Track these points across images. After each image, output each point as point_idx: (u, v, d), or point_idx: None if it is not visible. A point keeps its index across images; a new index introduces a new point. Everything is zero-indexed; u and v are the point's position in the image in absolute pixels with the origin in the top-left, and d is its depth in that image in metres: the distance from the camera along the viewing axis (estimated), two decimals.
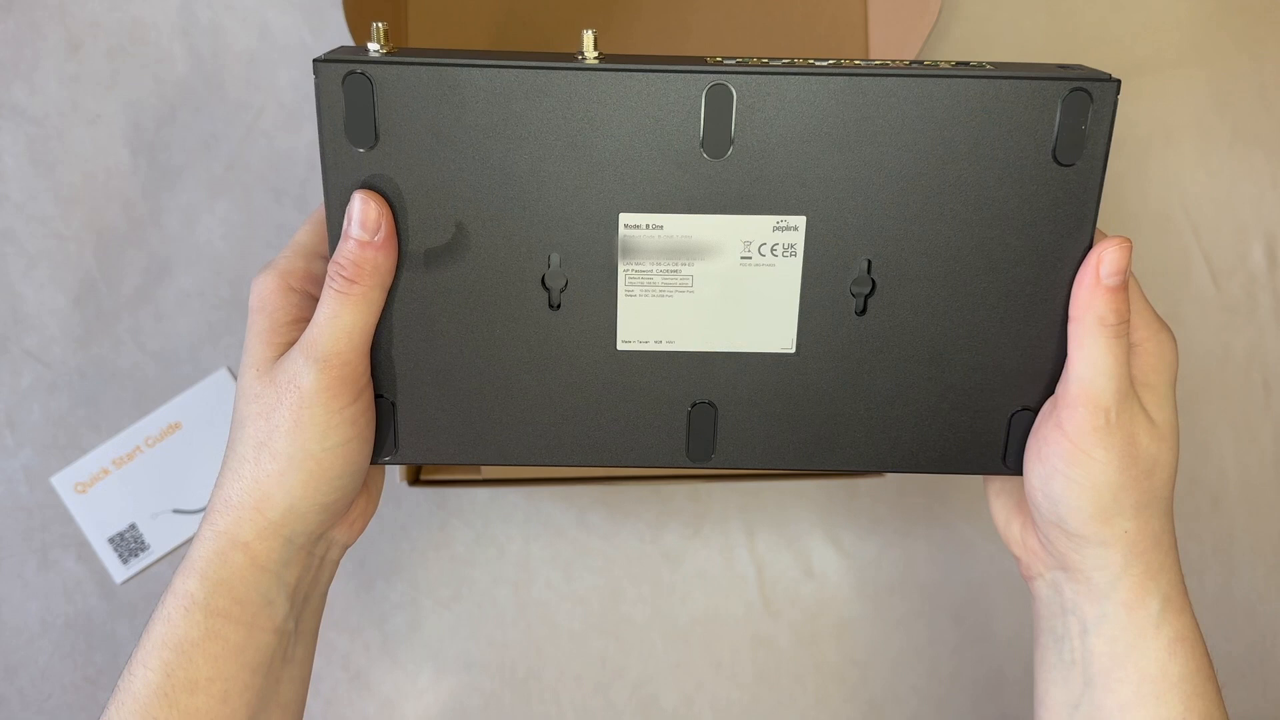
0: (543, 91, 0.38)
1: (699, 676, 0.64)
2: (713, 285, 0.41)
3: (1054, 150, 0.39)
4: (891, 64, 0.39)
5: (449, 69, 0.38)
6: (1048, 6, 0.64)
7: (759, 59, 0.39)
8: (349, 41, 0.52)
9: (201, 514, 0.62)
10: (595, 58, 0.38)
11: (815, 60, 0.39)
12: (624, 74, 0.38)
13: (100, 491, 0.61)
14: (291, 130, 0.62)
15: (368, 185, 0.39)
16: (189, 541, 0.61)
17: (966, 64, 0.39)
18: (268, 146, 0.61)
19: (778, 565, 0.64)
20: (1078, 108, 0.38)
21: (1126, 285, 0.39)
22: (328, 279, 0.40)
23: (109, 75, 0.61)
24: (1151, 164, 0.64)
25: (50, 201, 0.61)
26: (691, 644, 0.64)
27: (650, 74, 0.38)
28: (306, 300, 0.42)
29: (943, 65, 0.39)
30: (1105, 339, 0.39)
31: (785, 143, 0.39)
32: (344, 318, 0.39)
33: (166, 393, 0.61)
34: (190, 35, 0.61)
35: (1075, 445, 0.40)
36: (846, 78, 0.38)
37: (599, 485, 0.62)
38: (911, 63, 0.39)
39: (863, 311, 0.41)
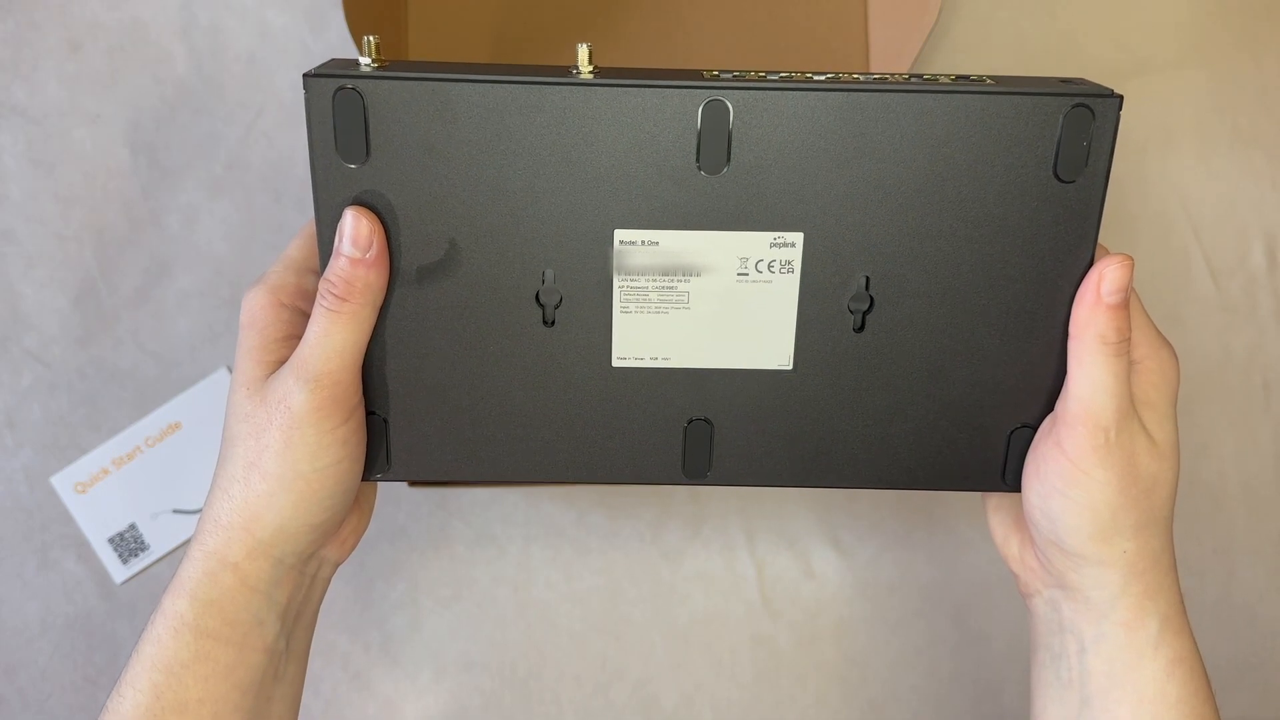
0: (537, 107, 0.38)
1: (699, 676, 0.64)
2: (709, 301, 0.40)
3: (1055, 166, 0.38)
4: (890, 78, 0.39)
5: (441, 84, 0.37)
6: (1048, 6, 0.64)
7: (757, 72, 0.39)
8: (349, 41, 0.52)
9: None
10: (590, 72, 0.38)
11: (813, 74, 0.39)
12: (619, 89, 0.37)
13: (100, 491, 0.61)
14: (291, 130, 0.62)
15: (359, 201, 0.39)
16: (189, 542, 0.61)
17: (967, 78, 0.39)
18: (268, 146, 0.61)
19: (777, 565, 0.64)
20: (1079, 124, 0.38)
21: (1128, 303, 0.39)
22: (318, 297, 0.39)
23: (109, 75, 0.61)
24: (1151, 165, 0.64)
25: (50, 201, 0.61)
26: (691, 644, 0.64)
27: (645, 89, 0.37)
28: (297, 316, 0.41)
29: (943, 80, 0.39)
30: (1106, 357, 0.39)
31: (782, 158, 0.38)
32: (335, 337, 0.39)
33: (166, 393, 0.61)
34: (190, 35, 0.61)
35: (1074, 464, 0.39)
36: (845, 93, 0.38)
37: (599, 486, 0.62)
38: (911, 76, 0.39)
39: (861, 328, 0.41)
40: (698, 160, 0.38)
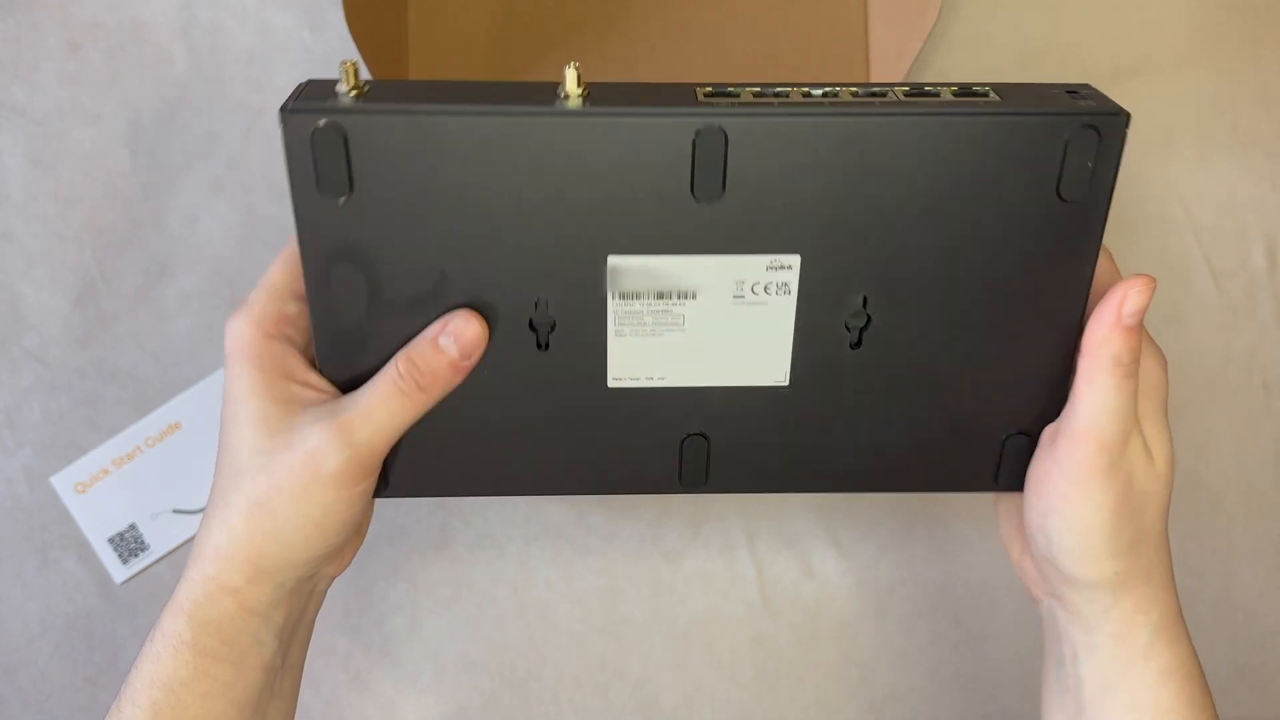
0: (524, 139, 0.36)
1: (699, 676, 0.64)
2: (704, 323, 0.40)
3: (1058, 186, 0.38)
4: (891, 94, 0.37)
5: (423, 118, 0.36)
6: (1048, 6, 0.64)
7: (751, 90, 0.37)
8: (349, 41, 0.51)
9: (201, 514, 0.62)
10: (580, 96, 0.36)
11: (811, 88, 0.37)
12: (608, 119, 0.36)
13: (100, 491, 0.61)
14: None
15: (344, 240, 0.37)
16: (189, 542, 0.61)
17: (969, 89, 0.38)
18: (268, 146, 0.61)
19: (778, 565, 0.64)
20: (1085, 144, 0.37)
21: (1142, 325, 0.39)
22: (396, 373, 0.38)
23: (109, 75, 0.61)
24: (1151, 165, 0.63)
25: (50, 201, 0.61)
26: (691, 644, 0.64)
27: (635, 119, 0.36)
28: (287, 347, 0.40)
29: (945, 94, 0.37)
30: (1118, 379, 0.38)
31: (779, 182, 0.37)
32: (397, 417, 0.38)
33: (166, 393, 0.61)
34: (190, 35, 0.61)
35: (1073, 484, 0.39)
36: (845, 118, 0.36)
37: None
38: (910, 88, 0.38)
39: (857, 344, 0.40)
40: (692, 188, 0.37)
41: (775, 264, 0.39)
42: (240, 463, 0.39)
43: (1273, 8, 0.64)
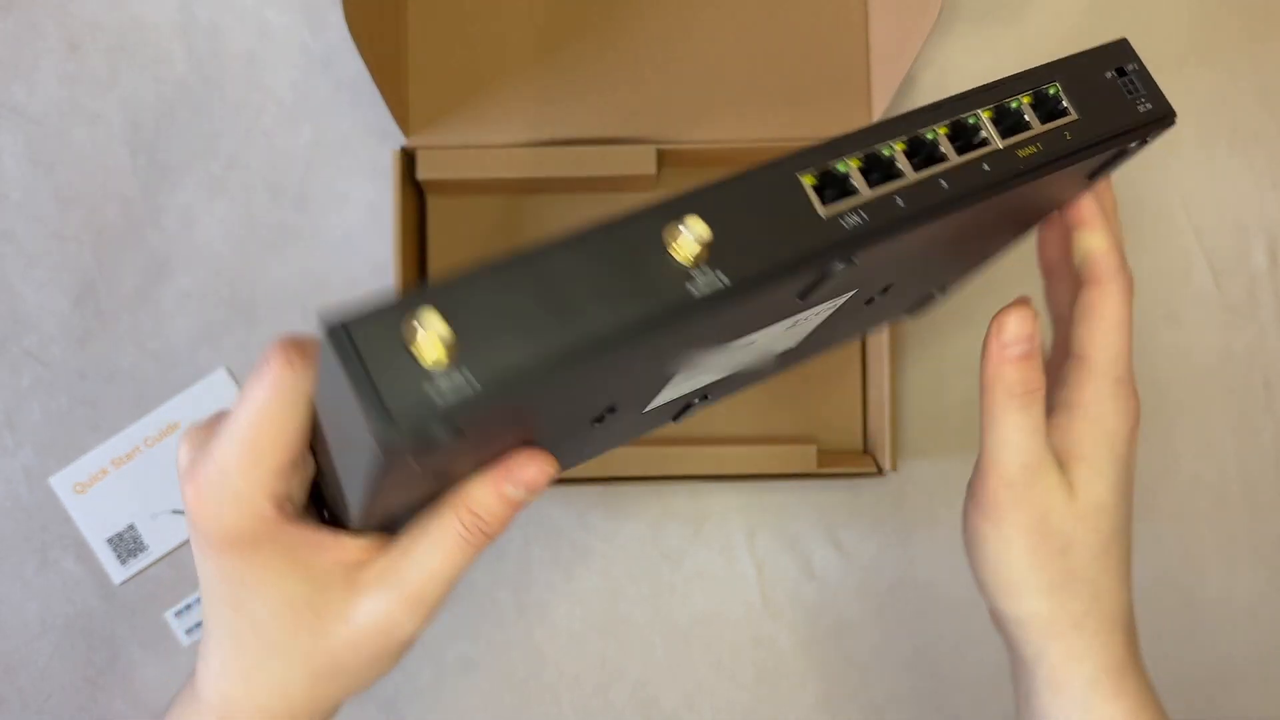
0: (651, 345, 0.29)
1: (699, 676, 0.64)
2: (750, 350, 0.38)
3: (1093, 174, 0.38)
4: (981, 120, 0.33)
5: (548, 375, 0.27)
6: (1048, 7, 0.64)
7: (859, 168, 0.31)
8: (348, 41, 0.51)
9: None
10: (699, 260, 0.28)
11: (911, 142, 0.32)
12: (748, 294, 0.29)
13: (99, 491, 0.61)
14: (291, 130, 0.62)
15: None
16: (188, 542, 0.61)
17: (1045, 95, 0.34)
18: (267, 146, 0.61)
19: (778, 565, 0.64)
20: (1133, 149, 0.37)
21: (1034, 353, 0.37)
22: (460, 527, 0.34)
23: (109, 75, 0.61)
24: (1151, 163, 0.64)
25: (50, 201, 0.61)
26: (691, 644, 0.64)
27: (777, 280, 0.29)
28: (300, 526, 0.34)
29: (1026, 109, 0.34)
30: (1011, 411, 0.37)
31: (871, 264, 0.34)
32: (464, 566, 0.35)
33: (166, 393, 0.61)
34: (190, 35, 0.61)
35: (983, 518, 0.39)
36: (965, 202, 0.32)
37: (599, 485, 0.62)
38: (995, 114, 0.34)
39: (870, 302, 0.41)
40: (801, 297, 0.33)
41: (835, 301, 0.38)
42: (281, 643, 0.35)
43: (1272, 7, 0.64)
